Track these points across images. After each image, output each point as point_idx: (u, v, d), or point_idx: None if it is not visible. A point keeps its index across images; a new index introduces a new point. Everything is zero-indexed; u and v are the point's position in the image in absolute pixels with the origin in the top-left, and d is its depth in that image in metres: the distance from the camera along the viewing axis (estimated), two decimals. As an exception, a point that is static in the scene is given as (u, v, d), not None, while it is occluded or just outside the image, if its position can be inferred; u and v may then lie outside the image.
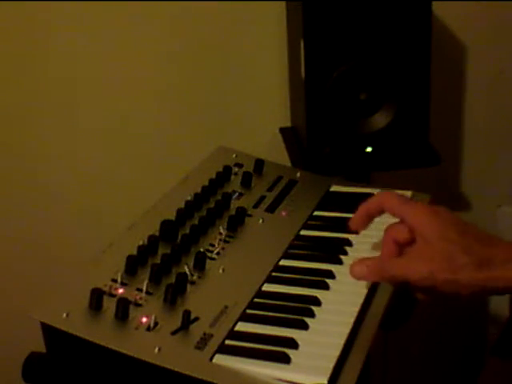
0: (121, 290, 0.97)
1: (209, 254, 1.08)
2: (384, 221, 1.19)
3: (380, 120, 1.40)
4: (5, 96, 1.61)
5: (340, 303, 0.99)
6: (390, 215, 0.97)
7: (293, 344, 0.90)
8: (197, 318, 0.93)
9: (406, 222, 0.93)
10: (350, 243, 1.14)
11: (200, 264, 1.04)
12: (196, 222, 1.13)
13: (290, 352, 0.88)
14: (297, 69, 1.44)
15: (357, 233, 1.07)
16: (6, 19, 1.56)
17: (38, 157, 1.66)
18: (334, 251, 1.11)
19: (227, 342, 0.91)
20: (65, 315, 0.90)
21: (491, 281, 0.86)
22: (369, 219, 0.99)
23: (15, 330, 1.58)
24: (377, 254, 1.10)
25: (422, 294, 0.93)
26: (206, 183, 1.24)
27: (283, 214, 1.23)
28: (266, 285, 1.04)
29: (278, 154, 1.54)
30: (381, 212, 0.98)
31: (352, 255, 1.11)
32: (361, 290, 1.02)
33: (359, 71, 1.36)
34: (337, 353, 0.89)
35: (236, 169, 1.32)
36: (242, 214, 1.18)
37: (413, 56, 1.36)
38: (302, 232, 1.18)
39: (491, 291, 0.88)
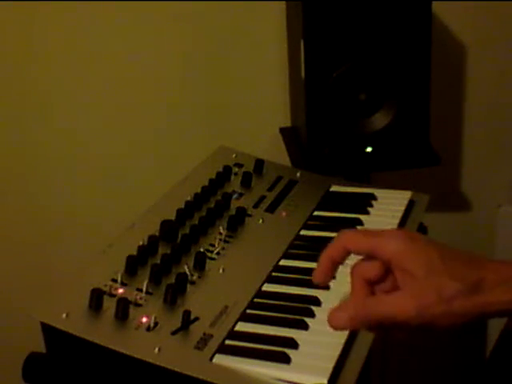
0: (121, 290, 0.97)
1: (209, 254, 1.08)
2: (384, 221, 1.20)
3: (380, 120, 1.40)
4: (4, 97, 1.62)
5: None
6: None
7: (293, 344, 0.90)
8: (197, 318, 0.93)
9: (378, 256, 0.81)
10: (349, 243, 1.13)
11: (200, 264, 1.04)
12: (196, 222, 1.13)
13: (290, 352, 0.88)
14: (297, 69, 1.44)
15: (327, 288, 0.97)
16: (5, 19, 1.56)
17: (38, 156, 1.66)
18: (334, 251, 1.11)
19: (227, 342, 0.91)
20: (65, 315, 0.90)
21: (485, 305, 0.77)
22: (334, 267, 0.84)
23: (15, 330, 1.58)
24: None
25: (404, 333, 0.81)
26: (206, 183, 1.24)
27: (283, 214, 1.23)
28: (266, 285, 1.04)
29: (278, 154, 1.54)
30: (346, 255, 0.83)
31: (352, 255, 1.10)
32: (361, 289, 1.02)
33: (359, 71, 1.36)
34: (337, 353, 0.89)
35: (236, 169, 1.32)
36: (242, 214, 1.18)
37: (413, 56, 1.36)
38: (302, 232, 1.18)
39: (487, 316, 0.79)
